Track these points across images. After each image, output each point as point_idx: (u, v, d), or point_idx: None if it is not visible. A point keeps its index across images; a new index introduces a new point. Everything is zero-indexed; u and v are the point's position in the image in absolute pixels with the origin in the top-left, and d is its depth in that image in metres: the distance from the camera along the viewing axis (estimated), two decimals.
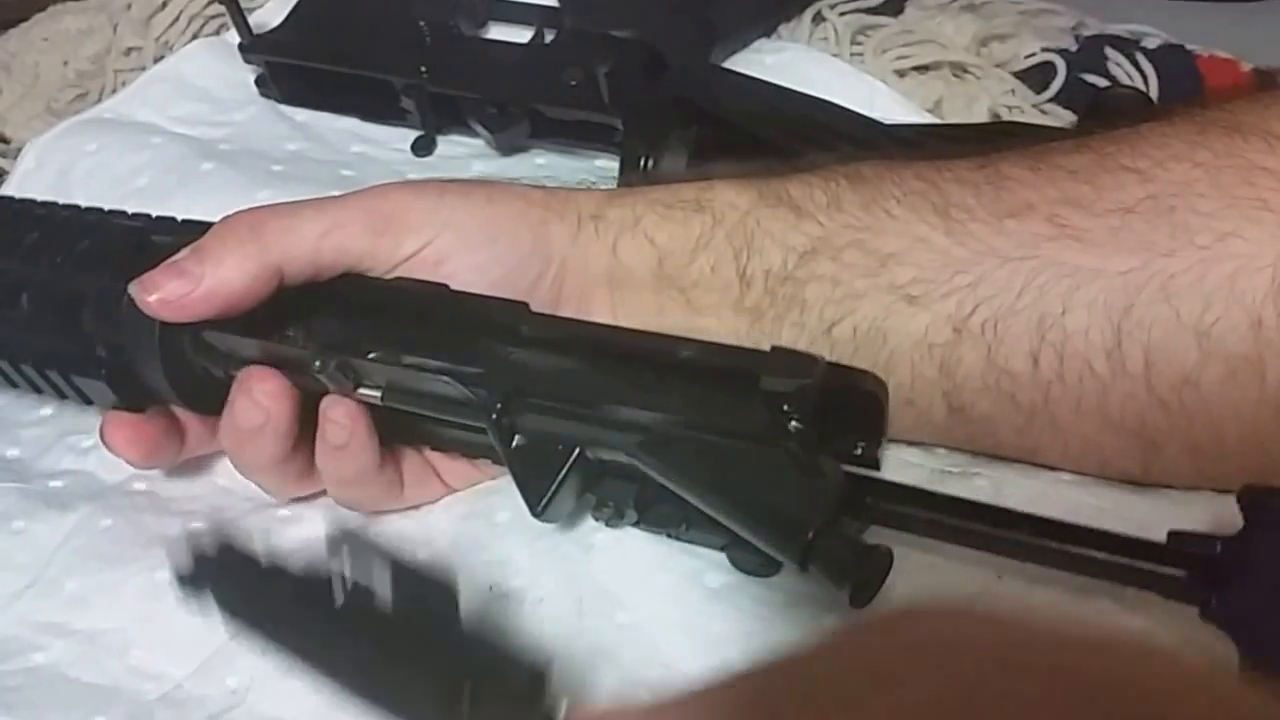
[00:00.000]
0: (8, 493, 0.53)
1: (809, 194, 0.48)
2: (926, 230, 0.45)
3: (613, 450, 0.43)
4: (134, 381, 0.47)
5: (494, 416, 0.42)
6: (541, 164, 0.67)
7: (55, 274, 0.49)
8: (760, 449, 0.39)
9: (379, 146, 0.70)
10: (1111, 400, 0.44)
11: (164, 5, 0.76)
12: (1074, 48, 0.70)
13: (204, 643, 0.45)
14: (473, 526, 0.48)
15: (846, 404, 0.41)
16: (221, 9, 0.72)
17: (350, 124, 0.71)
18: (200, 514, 0.51)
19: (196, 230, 0.48)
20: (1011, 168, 0.46)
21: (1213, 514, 0.44)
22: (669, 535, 0.46)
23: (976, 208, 0.45)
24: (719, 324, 0.48)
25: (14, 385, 0.52)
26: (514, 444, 0.43)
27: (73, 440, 0.55)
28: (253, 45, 0.69)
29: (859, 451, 0.42)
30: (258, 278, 0.44)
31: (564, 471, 0.43)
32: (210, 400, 0.47)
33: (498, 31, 0.72)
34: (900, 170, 0.48)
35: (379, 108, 0.70)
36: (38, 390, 0.51)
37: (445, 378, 0.42)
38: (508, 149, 0.67)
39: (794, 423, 0.39)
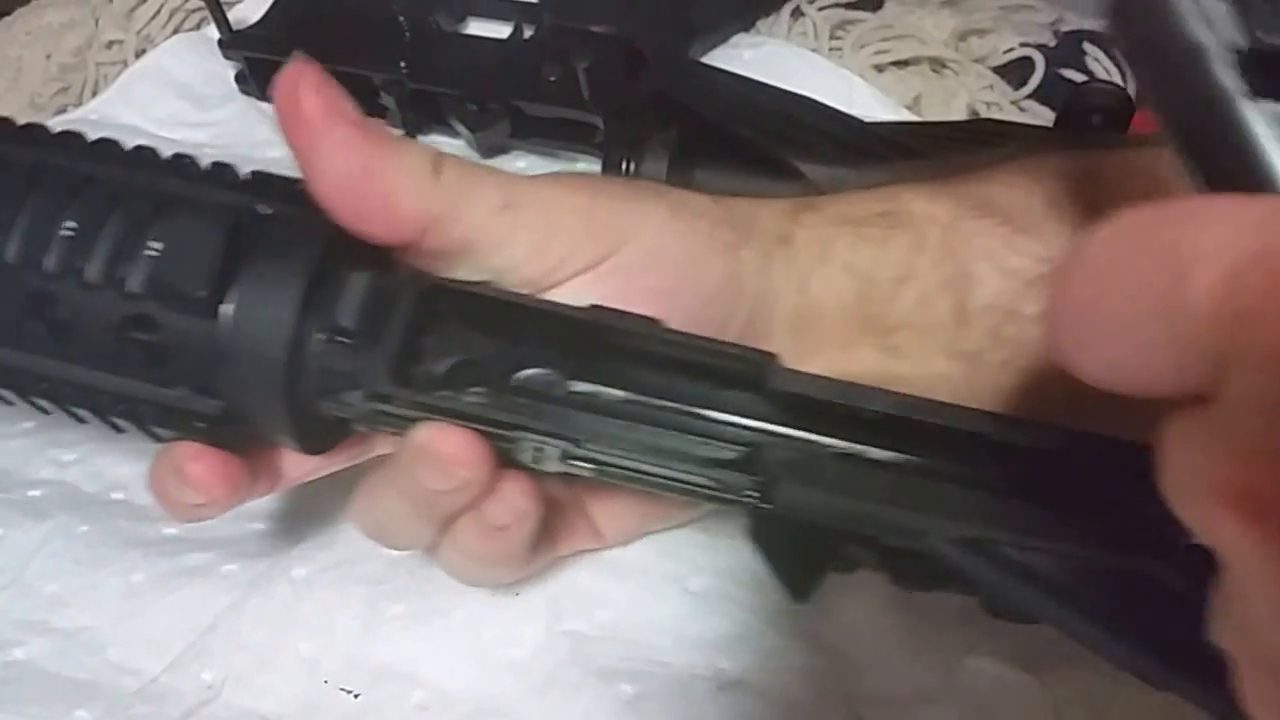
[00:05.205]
0: None
1: (1012, 196, 0.39)
2: None
3: (913, 541, 0.34)
4: (235, 423, 0.37)
5: (755, 494, 0.34)
6: (522, 167, 0.67)
7: (106, 291, 0.35)
8: (1141, 560, 0.32)
9: None
10: None
11: None
12: (1053, 43, 0.70)
13: (179, 639, 0.46)
14: None
15: None
16: (201, 3, 0.71)
17: None
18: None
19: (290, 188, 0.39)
20: None
21: None
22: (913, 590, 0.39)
23: None
24: (924, 372, 0.39)
25: (46, 412, 0.40)
26: (768, 525, 0.35)
27: (54, 453, 0.53)
28: (232, 41, 0.69)
29: None
30: None
31: (827, 555, 0.35)
32: (329, 438, 0.40)
33: (477, 27, 0.72)
34: (1107, 158, 0.39)
35: (358, 105, 0.69)
36: (81, 421, 0.39)
37: (708, 443, 0.34)
38: (488, 149, 0.67)
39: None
